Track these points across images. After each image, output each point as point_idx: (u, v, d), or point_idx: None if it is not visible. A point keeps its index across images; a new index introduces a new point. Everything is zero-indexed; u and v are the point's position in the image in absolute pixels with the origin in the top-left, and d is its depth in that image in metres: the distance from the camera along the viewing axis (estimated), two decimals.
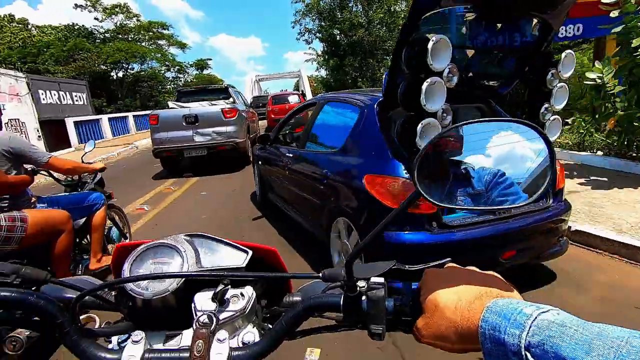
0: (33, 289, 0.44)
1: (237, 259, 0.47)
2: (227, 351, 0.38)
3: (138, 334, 0.39)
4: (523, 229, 1.88)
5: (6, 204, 1.80)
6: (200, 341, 0.37)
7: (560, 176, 2.14)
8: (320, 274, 0.43)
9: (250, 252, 0.47)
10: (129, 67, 28.91)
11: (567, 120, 5.42)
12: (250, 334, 0.43)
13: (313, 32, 23.25)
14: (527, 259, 2.00)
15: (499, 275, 0.37)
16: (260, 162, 3.95)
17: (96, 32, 28.35)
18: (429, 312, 0.35)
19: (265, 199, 4.01)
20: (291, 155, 3.04)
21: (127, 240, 2.87)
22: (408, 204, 0.36)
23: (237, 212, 4.15)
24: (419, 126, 1.64)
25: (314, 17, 22.66)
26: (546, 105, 1.97)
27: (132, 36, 29.61)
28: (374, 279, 0.41)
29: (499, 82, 2.32)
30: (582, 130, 5.27)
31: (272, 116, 12.76)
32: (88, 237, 2.31)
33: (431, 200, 0.35)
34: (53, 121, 11.24)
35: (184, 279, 0.43)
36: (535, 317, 0.27)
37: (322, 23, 22.43)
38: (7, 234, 1.71)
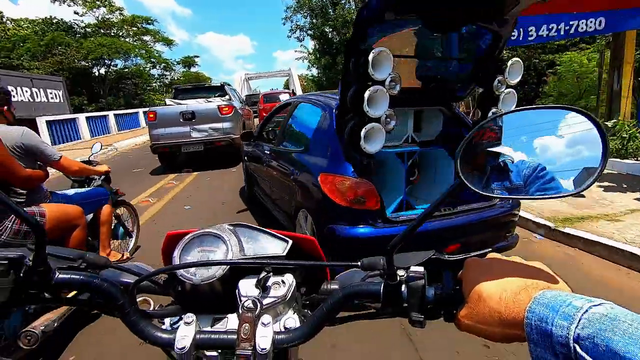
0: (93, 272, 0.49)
1: (278, 247, 0.52)
2: (272, 334, 0.42)
3: (189, 316, 0.43)
4: (467, 225, 2.10)
5: (23, 199, 1.85)
6: (247, 324, 0.42)
7: None
8: (359, 263, 0.47)
9: (291, 241, 0.52)
10: (112, 63, 28.69)
11: (606, 123, 5.07)
12: (291, 319, 0.47)
13: (304, 29, 23.57)
14: (474, 252, 2.21)
15: (544, 266, 0.37)
16: (246, 158, 4.25)
17: (76, 27, 27.94)
18: (472, 302, 0.37)
19: (251, 193, 4.31)
20: (268, 152, 3.33)
21: (132, 239, 3.04)
22: (450, 193, 0.38)
23: (225, 206, 4.55)
24: (363, 130, 1.89)
25: (305, 14, 23.00)
26: (494, 109, 2.23)
27: (115, 31, 29.34)
28: (413, 268, 0.43)
29: (458, 86, 2.59)
30: (624, 135, 4.87)
31: (264, 114, 13.18)
32: (94, 233, 2.40)
33: (473, 188, 0.37)
34: (25, 120, 11.17)
35: (229, 266, 0.48)
36: (586, 310, 0.27)
37: (314, 20, 22.73)
38: (27, 229, 1.74)
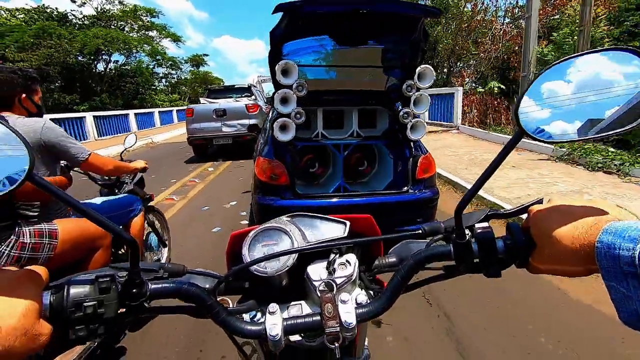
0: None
1: (339, 230, 0.67)
2: (354, 309, 0.55)
3: (274, 306, 0.56)
4: (368, 206, 2.96)
5: (36, 213, 1.69)
6: (329, 304, 0.55)
7: (428, 166, 3.20)
8: (420, 230, 0.62)
9: (349, 223, 0.67)
10: (111, 59, 30.59)
11: None
12: (362, 295, 0.63)
13: None
14: (384, 231, 3.06)
15: (609, 203, 0.47)
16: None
17: (73, 17, 28.92)
18: (545, 245, 0.48)
19: None
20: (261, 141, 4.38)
21: (166, 248, 3.13)
22: (510, 144, 0.47)
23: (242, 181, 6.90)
24: (275, 124, 2.87)
25: None
26: (407, 109, 3.15)
27: (116, 24, 31.10)
28: (478, 225, 0.56)
29: (389, 88, 3.55)
30: None
31: None
32: (124, 247, 2.35)
33: (534, 135, 0.47)
34: None
35: (297, 255, 0.61)
36: None
37: None
38: (30, 254, 1.61)
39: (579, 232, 0.44)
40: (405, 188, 3.14)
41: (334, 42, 3.03)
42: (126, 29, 32.23)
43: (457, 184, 5.51)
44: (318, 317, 0.55)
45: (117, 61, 32.28)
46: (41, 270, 0.50)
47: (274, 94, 2.98)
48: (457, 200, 2.42)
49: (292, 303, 0.64)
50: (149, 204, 2.83)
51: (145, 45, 32.52)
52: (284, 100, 2.93)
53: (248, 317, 0.63)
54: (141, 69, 32.94)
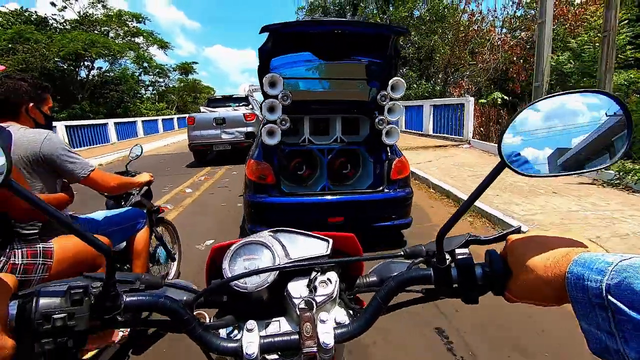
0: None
1: (321, 247, 0.73)
2: (332, 329, 0.59)
3: (251, 323, 0.60)
4: (343, 203, 3.56)
5: (36, 231, 1.69)
6: (308, 324, 0.58)
7: (402, 168, 3.81)
8: (402, 252, 0.68)
9: (331, 241, 0.74)
10: (93, 65, 30.67)
11: None
12: (341, 314, 0.68)
13: None
14: (361, 225, 3.63)
15: (581, 236, 0.53)
16: None
17: (54, 22, 29.02)
18: (520, 274, 0.53)
19: None
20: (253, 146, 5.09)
21: (175, 262, 3.18)
22: (492, 175, 0.52)
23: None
24: (263, 129, 3.48)
25: (320, 17, 25.66)
26: (381, 117, 3.78)
27: (99, 28, 31.50)
28: (458, 250, 0.62)
29: (371, 99, 4.21)
30: None
31: None
32: (129, 264, 2.40)
33: (514, 169, 0.52)
34: None
35: (278, 271, 0.66)
36: (616, 264, 0.39)
37: None
38: (22, 277, 1.59)
39: (550, 262, 0.49)
40: (381, 188, 3.75)
41: (315, 57, 3.68)
42: (111, 34, 32.62)
43: (493, 216, 4.64)
44: (296, 336, 0.59)
45: (101, 68, 32.67)
46: (9, 278, 0.51)
47: (262, 103, 3.61)
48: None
49: (271, 320, 0.68)
50: (160, 216, 2.93)
51: (131, 52, 32.86)
52: (271, 109, 3.58)
53: (225, 333, 0.67)
54: (125, 76, 33.34)
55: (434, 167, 7.96)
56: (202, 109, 12.49)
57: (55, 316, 0.51)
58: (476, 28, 21.65)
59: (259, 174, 3.55)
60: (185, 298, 0.67)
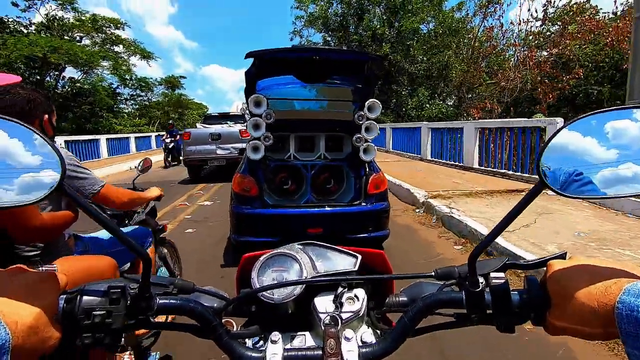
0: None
1: (349, 263, 0.84)
2: (357, 348, 0.66)
3: (276, 335, 0.69)
4: (322, 215, 4.52)
5: (37, 253, 1.81)
6: (332, 340, 0.65)
7: (379, 182, 4.77)
8: (433, 273, 0.75)
9: (360, 257, 0.84)
10: (63, 74, 31.45)
11: None
12: (367, 333, 0.76)
13: (317, 45, 27.72)
14: (338, 236, 4.57)
15: (634, 264, 0.56)
16: None
17: (13, 23, 28.93)
18: (561, 301, 0.57)
19: None
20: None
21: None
22: (531, 196, 0.59)
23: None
24: (247, 145, 4.55)
25: (320, 28, 27.31)
26: (358, 135, 4.85)
27: (71, 35, 31.98)
28: (493, 274, 0.67)
29: (354, 117, 5.29)
30: None
31: None
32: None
33: (553, 189, 0.58)
34: None
35: (303, 285, 0.76)
36: None
37: (329, 39, 27.18)
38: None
39: (598, 290, 0.52)
40: (358, 201, 4.71)
41: (298, 80, 4.74)
42: (87, 41, 33.44)
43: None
44: (320, 352, 0.67)
45: (73, 78, 33.37)
46: (61, 276, 0.64)
47: (247, 121, 4.63)
48: None
49: (297, 333, 0.78)
50: (161, 235, 3.05)
51: (105, 61, 33.41)
52: (256, 126, 4.62)
53: (251, 343, 0.79)
54: (96, 88, 33.66)
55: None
56: (198, 125, 14.81)
57: (95, 312, 0.63)
58: (494, 43, 22.53)
59: (244, 186, 4.52)
60: (215, 305, 0.78)
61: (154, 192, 2.61)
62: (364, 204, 4.70)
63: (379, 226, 4.75)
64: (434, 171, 11.51)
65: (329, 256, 0.86)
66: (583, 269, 0.58)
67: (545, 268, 0.65)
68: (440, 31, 24.96)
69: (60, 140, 16.03)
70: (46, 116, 1.95)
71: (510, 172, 9.82)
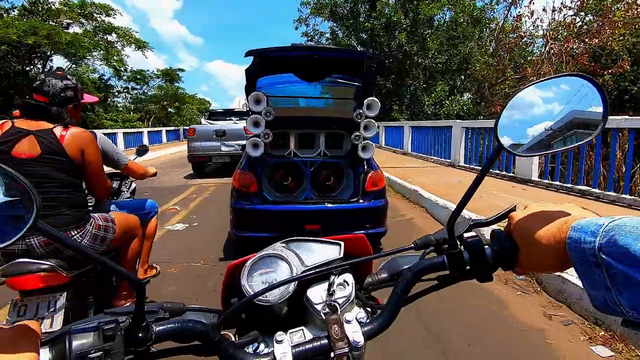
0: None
1: (334, 251, 0.96)
2: (359, 328, 0.79)
3: (280, 334, 0.78)
4: (320, 211, 5.15)
5: (90, 209, 2.75)
6: (335, 326, 0.77)
7: (377, 180, 5.38)
8: (413, 245, 0.88)
9: (343, 243, 0.97)
10: (49, 63, 32.03)
11: None
12: (361, 313, 0.90)
13: (325, 35, 28.70)
14: (335, 233, 5.18)
15: (575, 206, 0.74)
16: None
17: None
18: (526, 246, 0.75)
19: None
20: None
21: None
22: (491, 158, 0.78)
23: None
24: (247, 142, 5.26)
25: (327, 17, 28.11)
26: (357, 133, 5.53)
27: (57, 20, 32.25)
28: (467, 235, 0.82)
29: (354, 116, 6.00)
30: None
31: None
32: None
33: (509, 150, 0.75)
34: None
35: (297, 281, 0.86)
36: (606, 225, 0.58)
37: (337, 29, 27.74)
38: (103, 234, 2.64)
39: (552, 232, 0.69)
40: (356, 198, 5.36)
41: (297, 78, 5.40)
42: (76, 29, 34.35)
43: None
44: (325, 341, 0.78)
45: (61, 68, 32.14)
46: (34, 324, 0.64)
47: (248, 118, 5.28)
48: None
49: (294, 330, 0.86)
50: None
51: (96, 51, 34.54)
52: (255, 124, 5.26)
53: (251, 349, 0.85)
54: (82, 78, 33.67)
55: None
56: (202, 120, 16.59)
57: (91, 355, 0.65)
58: (522, 34, 22.66)
59: (243, 182, 5.15)
60: (211, 320, 0.86)
61: (152, 170, 3.73)
62: (361, 201, 5.32)
63: (377, 223, 5.34)
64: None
65: (313, 249, 0.98)
66: (539, 215, 0.75)
67: (507, 220, 0.83)
68: (461, 20, 25.02)
69: None
70: (71, 105, 2.61)
71: (598, 191, 7.60)
